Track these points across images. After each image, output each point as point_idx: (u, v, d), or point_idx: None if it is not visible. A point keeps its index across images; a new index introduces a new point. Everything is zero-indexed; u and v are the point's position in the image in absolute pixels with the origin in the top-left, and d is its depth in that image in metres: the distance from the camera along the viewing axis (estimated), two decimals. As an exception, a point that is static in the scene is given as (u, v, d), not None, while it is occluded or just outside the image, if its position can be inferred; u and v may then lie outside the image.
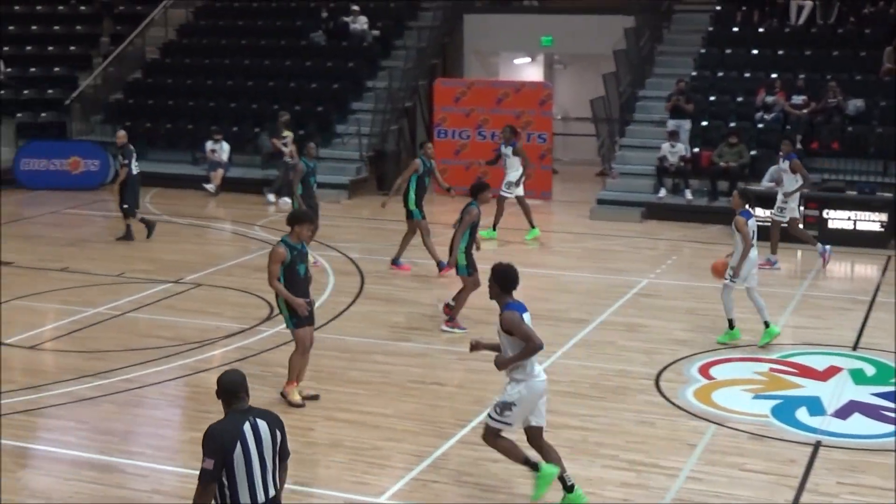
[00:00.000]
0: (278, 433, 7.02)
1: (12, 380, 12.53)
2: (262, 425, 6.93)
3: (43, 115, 28.48)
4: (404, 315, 15.15)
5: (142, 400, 11.90)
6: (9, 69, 29.21)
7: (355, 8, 28.94)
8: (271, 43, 29.47)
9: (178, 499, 9.50)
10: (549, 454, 9.37)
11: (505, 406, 9.27)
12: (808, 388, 12.34)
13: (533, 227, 20.23)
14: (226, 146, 25.12)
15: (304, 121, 25.62)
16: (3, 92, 28.54)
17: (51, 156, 25.83)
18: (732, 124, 23.39)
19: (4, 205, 23.45)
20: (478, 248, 14.66)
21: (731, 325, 14.08)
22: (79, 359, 13.15)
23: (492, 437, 9.42)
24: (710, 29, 26.85)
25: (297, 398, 11.71)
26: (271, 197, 23.48)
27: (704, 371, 12.88)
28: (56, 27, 31.67)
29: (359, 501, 9.50)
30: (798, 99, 23.19)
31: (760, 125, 23.28)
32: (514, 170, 20.18)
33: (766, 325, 13.90)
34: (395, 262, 17.77)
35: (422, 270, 17.91)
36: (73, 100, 28.19)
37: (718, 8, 27.38)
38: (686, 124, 23.47)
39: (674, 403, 11.82)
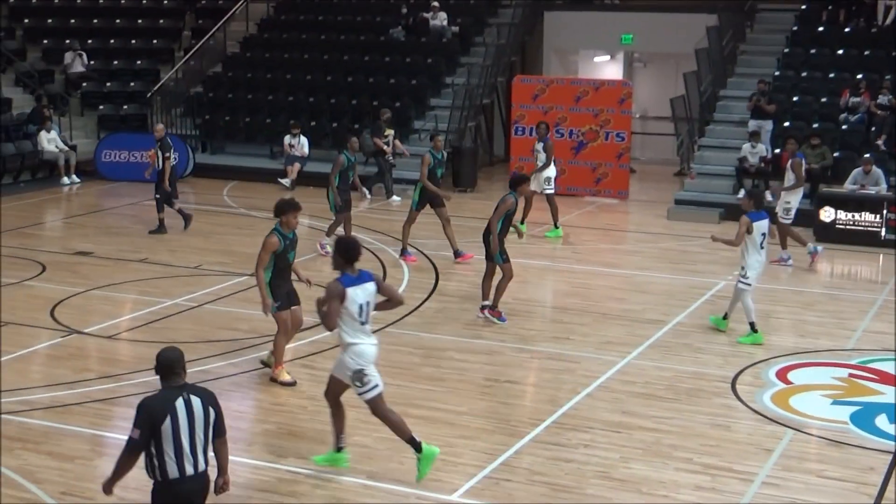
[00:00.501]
0: (212, 410, 7.37)
1: (90, 368, 12.70)
2: (196, 402, 7.31)
3: (125, 107, 28.87)
4: (478, 312, 15.08)
5: (217, 391, 11.90)
6: (92, 62, 29.64)
7: (435, 4, 28.96)
8: (351, 38, 29.60)
9: (251, 490, 9.55)
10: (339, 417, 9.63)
11: (358, 375, 9.56)
12: (889, 394, 12.08)
13: (557, 226, 20.31)
14: (304, 140, 25.25)
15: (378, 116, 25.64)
16: (86, 84, 28.98)
17: (131, 148, 26.13)
18: (815, 125, 23.03)
19: (85, 196, 23.81)
20: (520, 237, 15.20)
21: (754, 329, 13.94)
22: (155, 349, 13.10)
23: (380, 410, 9.61)
24: (795, 28, 26.45)
25: (286, 377, 12.20)
26: (396, 198, 23.54)
27: (782, 375, 12.68)
28: (140, 21, 32.09)
29: (430, 498, 9.47)
30: (884, 100, 22.76)
31: (844, 127, 22.89)
32: (545, 165, 20.33)
33: (752, 327, 13.94)
34: (456, 254, 17.99)
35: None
36: (155, 93, 28.52)
37: (803, 7, 26.96)
38: (767, 125, 23.16)
39: (750, 407, 11.65)
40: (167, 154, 19.95)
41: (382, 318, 14.50)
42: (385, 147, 23.77)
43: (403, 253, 18.15)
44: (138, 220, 21.56)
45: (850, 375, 12.74)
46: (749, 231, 13.66)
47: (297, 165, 24.97)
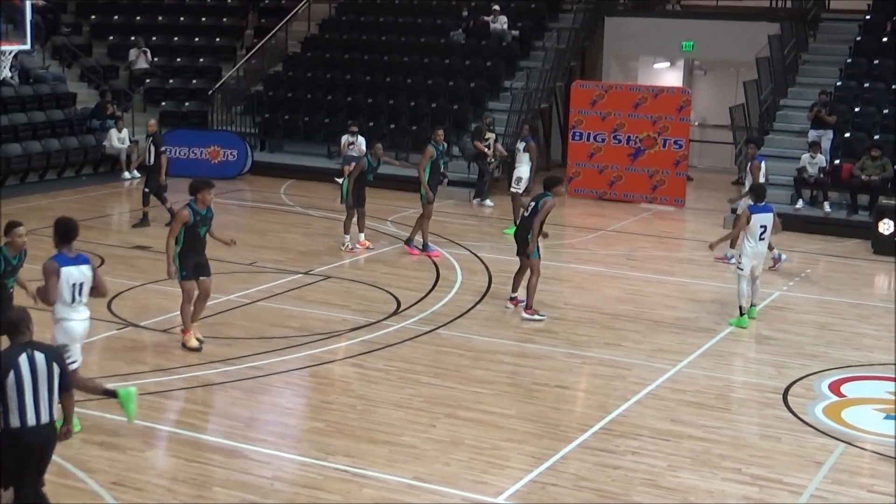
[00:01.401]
0: (56, 366, 7.95)
1: (144, 361, 12.86)
2: (40, 357, 7.86)
3: (187, 104, 29.16)
4: (530, 316, 15.09)
5: (267, 388, 12.08)
6: (156, 59, 29.97)
7: (496, 7, 28.97)
8: (411, 40, 29.69)
9: (298, 487, 9.62)
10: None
11: (62, 349, 9.82)
12: (944, 411, 11.96)
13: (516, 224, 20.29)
14: (362, 140, 25.33)
15: (440, 118, 25.66)
16: (149, 81, 29.30)
17: (192, 144, 26.41)
18: (876, 137, 22.79)
19: (145, 190, 24.04)
20: (545, 237, 15.29)
21: (742, 313, 14.89)
22: (209, 344, 13.39)
23: (76, 379, 9.92)
24: (858, 38, 26.17)
25: (193, 343, 13.07)
26: (476, 202, 23.61)
27: (835, 388, 12.57)
28: (203, 19, 32.39)
29: (476, 500, 9.49)
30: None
31: (906, 138, 22.63)
32: (524, 165, 20.66)
33: (741, 310, 14.90)
34: (425, 247, 18.49)
35: (549, 273, 17.82)
36: (216, 90, 28.78)
37: (868, 17, 26.68)
38: (828, 135, 22.94)
39: (801, 419, 11.56)
40: (162, 149, 20.23)
41: (433, 319, 14.62)
42: (486, 150, 23.68)
43: (425, 248, 18.47)
44: (196, 216, 21.77)
45: (905, 390, 12.62)
46: (748, 221, 14.64)
47: (353, 165, 25.02)
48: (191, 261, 13.03)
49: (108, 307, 14.56)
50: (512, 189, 20.77)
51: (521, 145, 20.98)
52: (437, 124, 21.58)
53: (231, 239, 14.15)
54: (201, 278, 13.22)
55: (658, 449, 10.60)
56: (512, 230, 19.97)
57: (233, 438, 10.61)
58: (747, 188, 18.05)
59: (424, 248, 18.51)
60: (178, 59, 30.69)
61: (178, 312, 13.28)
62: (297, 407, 11.79)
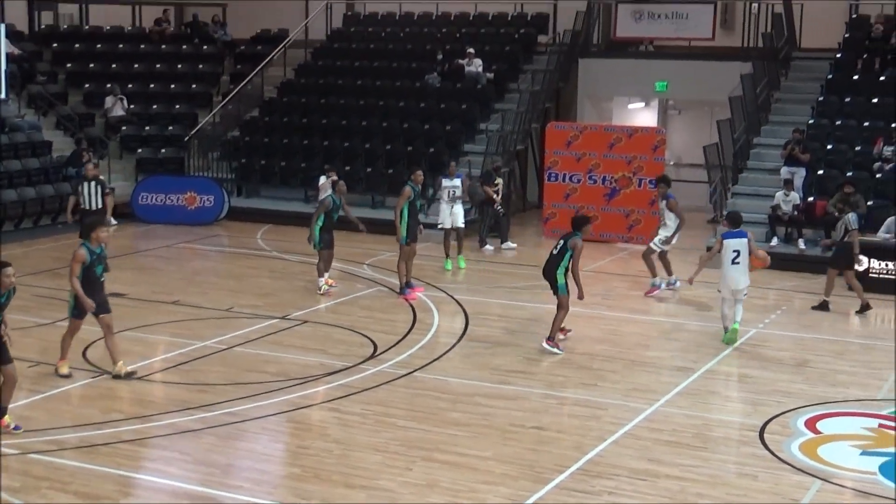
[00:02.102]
0: None
1: (120, 409, 12.78)
2: None
3: (163, 151, 29.18)
4: (507, 357, 15.10)
5: (243, 433, 12.03)
6: (132, 106, 30.01)
7: (471, 50, 29.17)
8: (386, 84, 29.83)
9: (273, 533, 9.57)
10: None
11: None
12: (919, 446, 12.00)
13: (448, 257, 21.20)
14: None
15: (416, 161, 25.71)
16: (125, 128, 29.33)
17: (168, 191, 26.43)
18: (849, 174, 22.97)
19: (120, 238, 24.00)
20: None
21: (725, 330, 15.91)
22: (185, 391, 13.37)
23: None
24: (830, 77, 26.44)
25: (65, 370, 13.71)
26: (489, 247, 23.45)
27: (811, 425, 12.60)
28: (179, 66, 32.48)
29: (452, 544, 9.46)
30: (917, 149, 22.72)
31: (878, 175, 22.82)
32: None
33: (725, 329, 15.89)
34: (402, 290, 18.60)
35: (526, 314, 17.87)
36: (192, 136, 28.82)
37: (839, 55, 26.97)
38: (801, 173, 23.12)
39: (778, 457, 11.57)
40: (107, 190, 20.32)
41: (410, 362, 14.63)
42: (494, 196, 23.62)
43: (403, 291, 18.51)
44: (172, 263, 21.80)
45: (880, 426, 12.65)
46: (720, 247, 15.73)
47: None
48: (89, 298, 13.33)
49: (83, 355, 14.51)
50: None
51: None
52: (415, 165, 21.67)
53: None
54: (101, 315, 13.60)
55: (635, 489, 10.59)
56: (450, 264, 20.97)
57: (209, 486, 10.56)
58: (674, 223, 19.02)
59: (402, 290, 18.53)
60: (154, 106, 30.74)
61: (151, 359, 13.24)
62: (273, 452, 11.75)
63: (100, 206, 20.13)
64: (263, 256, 22.40)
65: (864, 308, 18.18)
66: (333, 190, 19.29)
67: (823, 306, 18.30)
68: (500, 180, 23.78)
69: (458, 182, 21.50)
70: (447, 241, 21.37)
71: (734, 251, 15.59)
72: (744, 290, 15.85)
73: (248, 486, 10.62)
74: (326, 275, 19.04)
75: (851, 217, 18.60)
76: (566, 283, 15.24)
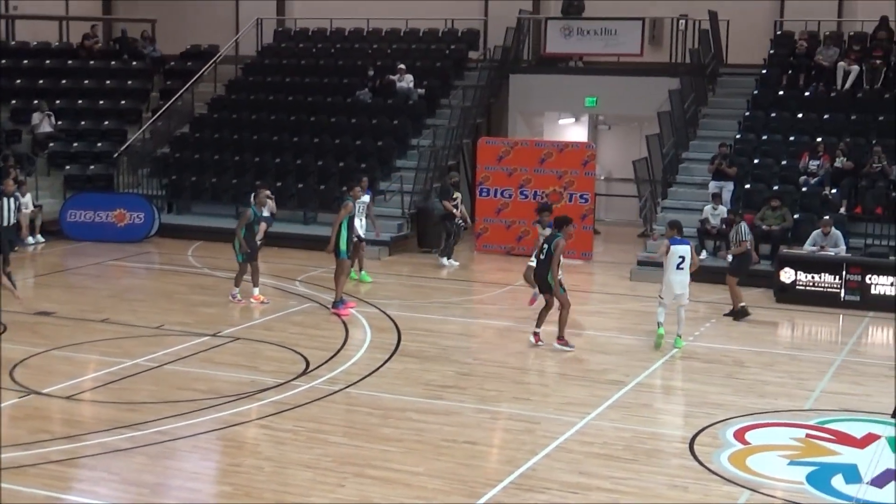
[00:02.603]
0: None
1: (49, 430, 12.61)
2: None
3: (91, 167, 28.86)
4: (439, 373, 15.11)
5: (174, 452, 11.93)
6: (60, 122, 29.68)
7: (402, 66, 29.22)
8: (317, 100, 29.79)
9: (204, 552, 9.49)
10: None
11: None
12: (845, 455, 12.17)
13: (360, 269, 21.47)
14: (269, 201, 25.26)
15: (348, 177, 25.69)
16: (53, 145, 28.99)
17: (97, 208, 26.15)
18: (775, 188, 23.32)
19: (49, 256, 23.77)
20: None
21: (659, 325, 16.52)
22: (114, 410, 13.22)
23: None
24: (755, 92, 26.85)
25: None
26: (444, 261, 23.45)
27: (740, 436, 12.74)
28: (108, 82, 32.18)
29: (385, 560, 9.44)
30: (839, 163, 23.10)
31: (804, 189, 23.18)
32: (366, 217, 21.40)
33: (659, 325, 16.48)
34: (335, 304, 18.50)
35: (458, 329, 17.92)
36: (121, 153, 28.56)
37: (764, 71, 27.40)
38: (729, 187, 23.42)
39: (708, 468, 11.69)
40: (26, 208, 20.20)
41: (343, 378, 14.61)
42: (454, 210, 23.62)
43: (337, 305, 18.45)
44: (101, 280, 21.56)
45: (808, 436, 12.82)
46: (667, 252, 16.27)
47: (263, 225, 24.92)
48: None
49: (10, 375, 14.30)
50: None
51: (366, 198, 21.16)
52: (356, 177, 21.71)
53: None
54: None
55: (566, 502, 10.64)
56: (367, 276, 21.30)
57: (138, 505, 10.46)
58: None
59: (335, 304, 18.48)
60: (83, 123, 30.39)
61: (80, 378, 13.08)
62: (204, 471, 11.65)
63: (13, 222, 19.89)
64: (194, 273, 22.24)
65: (740, 314, 18.73)
66: (254, 202, 19.51)
67: (742, 313, 18.58)
68: (458, 194, 23.87)
69: (366, 198, 21.47)
70: (357, 254, 21.36)
71: (680, 257, 16.30)
72: (686, 295, 16.55)
73: (178, 506, 10.54)
74: (256, 290, 19.17)
75: (743, 226, 19.13)
76: (562, 288, 16.21)
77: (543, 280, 16.20)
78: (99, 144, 29.58)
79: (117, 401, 13.57)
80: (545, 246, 16.17)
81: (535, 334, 16.56)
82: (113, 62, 33.14)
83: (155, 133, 29.54)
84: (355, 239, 20.67)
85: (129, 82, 32.40)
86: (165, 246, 25.30)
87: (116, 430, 12.47)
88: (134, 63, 33.17)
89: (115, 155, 28.56)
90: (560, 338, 16.23)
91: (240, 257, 19.18)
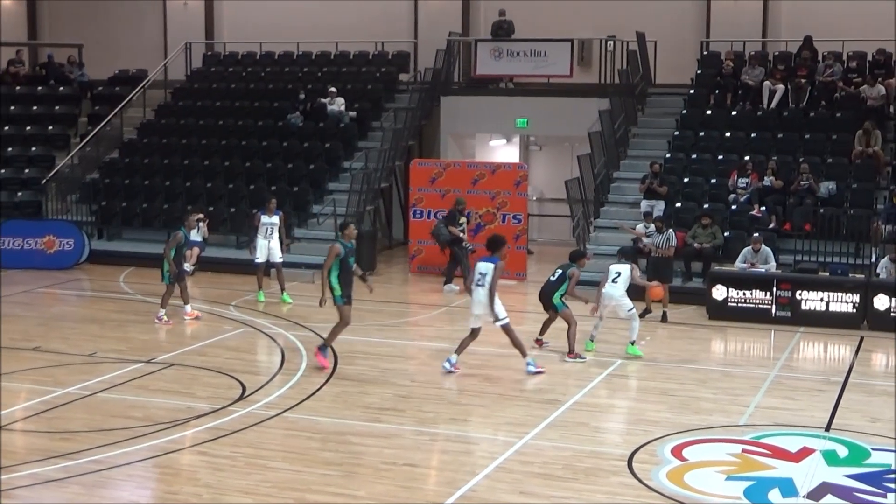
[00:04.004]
0: None
1: (-21, 461, 12.38)
2: None
3: (19, 194, 28.50)
4: (377, 396, 15.06)
5: (109, 481, 11.75)
6: (-15, 149, 29.30)
7: (332, 90, 29.22)
8: (248, 123, 29.69)
9: (143, 582, 9.36)
10: None
11: None
12: (781, 469, 12.29)
13: (260, 289, 21.86)
14: (202, 225, 25.09)
15: (280, 201, 25.59)
16: (-21, 172, 28.60)
17: (26, 235, 25.84)
18: (706, 206, 23.60)
19: (-23, 284, 23.38)
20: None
21: (592, 339, 17.80)
22: (47, 439, 13.02)
23: None
24: (684, 112, 27.18)
25: None
26: (453, 286, 23.21)
27: (677, 452, 12.83)
28: (35, 107, 31.79)
29: (327, 585, 9.36)
30: (767, 181, 23.43)
31: (733, 207, 23.46)
32: (273, 239, 21.76)
33: (632, 343, 17.45)
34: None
35: (395, 351, 17.89)
36: (50, 179, 28.23)
37: (692, 91, 27.74)
38: (660, 205, 23.65)
39: (646, 485, 11.74)
40: None
41: (280, 403, 14.51)
42: (461, 234, 23.54)
43: (324, 350, 16.66)
44: (31, 308, 21.25)
45: (744, 451, 12.92)
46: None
47: (196, 249, 24.77)
48: None
49: (-60, 406, 14.04)
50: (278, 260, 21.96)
51: (274, 219, 21.71)
52: (266, 197, 22.15)
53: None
54: None
55: (508, 522, 10.65)
56: (262, 296, 21.58)
57: (74, 536, 10.29)
58: None
59: (322, 348, 16.73)
60: (10, 149, 30.02)
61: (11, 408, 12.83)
62: (141, 499, 11.50)
63: None
64: (126, 300, 22.00)
65: (663, 317, 19.97)
66: (183, 226, 19.78)
67: (663, 318, 19.75)
68: (464, 219, 23.86)
69: (276, 220, 21.66)
70: (260, 274, 21.87)
71: (617, 272, 17.67)
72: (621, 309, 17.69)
73: (115, 535, 10.38)
74: (188, 307, 19.59)
75: (673, 234, 20.53)
76: (563, 303, 17.33)
77: (549, 301, 17.55)
78: (26, 171, 29.27)
79: (50, 430, 13.36)
80: (558, 271, 17.50)
81: (538, 340, 17.97)
82: (39, 87, 32.81)
83: (84, 159, 29.25)
84: (258, 261, 21.63)
85: (57, 108, 32.07)
86: (96, 272, 25.02)
87: (50, 459, 12.26)
88: (61, 88, 32.83)
89: (44, 181, 28.28)
90: (570, 352, 17.18)
91: (167, 279, 19.44)
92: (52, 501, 11.19)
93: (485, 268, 16.02)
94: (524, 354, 16.31)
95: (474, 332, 16.33)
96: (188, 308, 19.56)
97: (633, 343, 17.39)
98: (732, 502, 11.30)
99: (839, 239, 22.05)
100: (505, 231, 24.14)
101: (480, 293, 15.98)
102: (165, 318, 19.34)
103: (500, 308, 16.03)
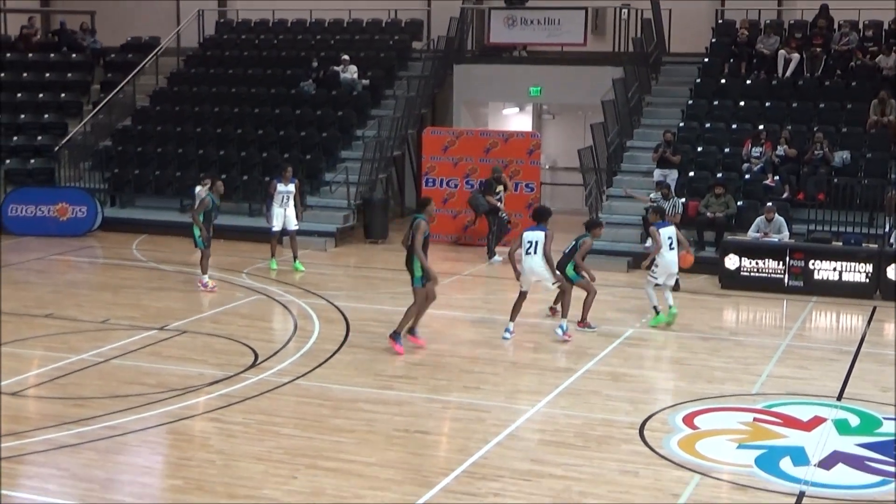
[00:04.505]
0: None
1: (-6, 426, 12.46)
2: None
3: (32, 161, 28.52)
4: (389, 363, 15.10)
5: (123, 447, 11.82)
6: (-1, 115, 29.31)
7: (345, 57, 29.12)
8: (261, 91, 29.60)
9: (157, 547, 9.42)
10: None
11: None
12: (792, 438, 12.31)
13: (273, 257, 21.75)
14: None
15: (293, 169, 25.54)
16: (-8, 139, 28.63)
17: (38, 202, 25.87)
18: (719, 175, 23.52)
19: (-9, 251, 23.47)
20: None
21: (657, 311, 17.42)
22: (61, 406, 13.09)
23: None
24: (698, 80, 27.04)
25: None
26: (497, 257, 23.07)
27: (689, 421, 12.85)
28: (48, 74, 31.78)
29: (339, 550, 9.41)
30: (780, 150, 23.32)
31: (747, 176, 23.38)
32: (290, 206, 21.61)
33: (655, 310, 17.45)
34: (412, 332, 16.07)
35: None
36: (62, 146, 28.24)
37: (706, 60, 27.59)
38: (673, 174, 23.57)
39: (658, 453, 11.77)
40: None
41: (292, 370, 14.57)
42: (498, 204, 23.48)
43: (414, 332, 16.01)
44: (44, 275, 21.32)
45: (755, 420, 12.94)
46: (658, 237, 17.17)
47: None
48: None
49: (-45, 372, 14.12)
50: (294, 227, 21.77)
51: (291, 186, 21.63)
52: (282, 166, 22.21)
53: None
54: None
55: (519, 489, 10.68)
56: (275, 264, 21.57)
57: (88, 501, 10.34)
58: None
59: (412, 331, 16.01)
60: (23, 116, 30.02)
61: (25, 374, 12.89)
62: (154, 465, 11.56)
63: None
64: (139, 267, 22.05)
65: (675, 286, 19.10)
66: (211, 191, 19.70)
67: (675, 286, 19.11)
68: (500, 188, 23.73)
69: (291, 188, 21.56)
70: (274, 242, 21.79)
71: (668, 237, 17.22)
72: (676, 273, 17.57)
73: (129, 501, 10.44)
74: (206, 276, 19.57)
75: (676, 200, 21.17)
76: (578, 274, 16.93)
77: (563, 272, 16.96)
78: (39, 138, 29.26)
79: (64, 396, 13.43)
80: (573, 242, 17.17)
81: (552, 309, 17.75)
82: (52, 54, 32.73)
83: (96, 126, 29.22)
84: (274, 229, 21.53)
85: (69, 75, 32.01)
86: (109, 240, 25.06)
87: (64, 425, 12.34)
88: (74, 55, 32.75)
89: (56, 148, 28.27)
90: (582, 321, 17.01)
91: (200, 244, 19.52)
92: (68, 467, 11.26)
93: (533, 236, 16.38)
94: (564, 317, 16.63)
95: (523, 296, 16.63)
96: (205, 277, 19.59)
97: (657, 311, 17.53)
98: (744, 470, 11.33)
99: (853, 209, 21.96)
100: (517, 200, 24.27)
101: (534, 261, 16.30)
102: (210, 283, 19.47)
103: (550, 273, 16.41)
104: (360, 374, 14.56)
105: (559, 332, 16.47)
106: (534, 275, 16.41)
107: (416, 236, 15.26)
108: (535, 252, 16.30)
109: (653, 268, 17.31)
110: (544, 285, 16.59)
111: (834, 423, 12.79)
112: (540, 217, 16.79)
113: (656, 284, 17.38)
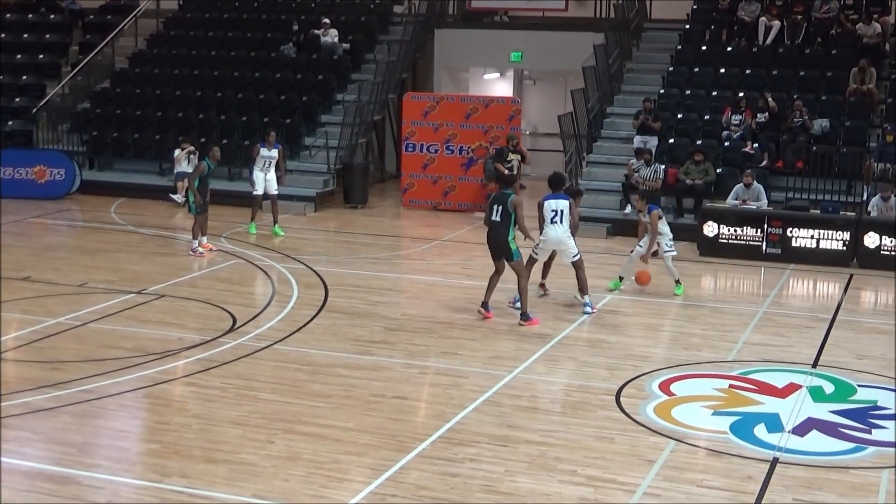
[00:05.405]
0: None
1: (-30, 389, 12.43)
2: None
3: (10, 123, 28.32)
4: (367, 329, 15.12)
5: (100, 411, 11.82)
6: (-24, 77, 29.08)
7: (326, 21, 28.97)
8: (241, 54, 29.44)
9: (133, 511, 9.45)
10: None
11: None
12: (767, 404, 12.39)
13: (252, 221, 21.74)
14: (192, 157, 25.00)
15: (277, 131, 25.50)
16: (-31, 100, 28.41)
17: (16, 164, 25.71)
18: (699, 142, 23.55)
19: (-32, 213, 23.33)
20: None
21: (678, 282, 17.46)
22: (38, 369, 13.07)
23: None
24: (679, 47, 27.01)
25: None
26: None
27: (665, 387, 12.92)
28: (25, 35, 31.53)
29: (316, 515, 9.46)
30: (761, 118, 23.36)
31: (727, 143, 23.42)
32: (275, 170, 21.66)
33: (677, 282, 17.43)
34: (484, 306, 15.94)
35: (386, 284, 17.93)
36: (40, 108, 28.06)
37: (687, 27, 27.56)
38: (653, 141, 23.59)
39: (634, 419, 11.84)
40: None
41: (270, 335, 14.57)
42: (506, 172, 23.29)
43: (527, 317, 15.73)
44: (22, 238, 21.21)
45: (731, 386, 13.02)
46: (660, 217, 17.14)
47: (186, 181, 24.72)
48: None
49: (-69, 335, 14.07)
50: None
51: (273, 152, 21.55)
52: (266, 130, 21.93)
53: None
54: None
55: (496, 455, 10.72)
56: (254, 228, 21.58)
57: (65, 465, 10.34)
58: None
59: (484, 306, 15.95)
60: (0, 77, 29.78)
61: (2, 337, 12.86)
62: (131, 429, 11.57)
63: None
64: (118, 231, 21.98)
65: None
66: (207, 157, 19.68)
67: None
68: (513, 157, 23.62)
69: (275, 153, 21.50)
70: (256, 206, 21.71)
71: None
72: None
73: (106, 465, 10.44)
74: (205, 238, 19.57)
75: (657, 166, 21.44)
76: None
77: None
78: (17, 100, 29.05)
79: (41, 359, 13.41)
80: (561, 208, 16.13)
81: (541, 285, 17.16)
82: (30, 15, 32.47)
83: (75, 88, 29.04)
84: (256, 192, 21.50)
85: (48, 36, 31.78)
86: (87, 203, 24.96)
87: (41, 389, 12.33)
88: (52, 16, 32.49)
89: (34, 110, 28.08)
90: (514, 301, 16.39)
91: (193, 209, 19.51)
92: (44, 430, 11.25)
93: (557, 205, 16.05)
94: (584, 293, 16.24)
95: (533, 262, 16.59)
96: (205, 240, 19.64)
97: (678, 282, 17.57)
98: (719, 437, 11.41)
99: (831, 177, 22.03)
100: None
101: (558, 230, 16.03)
102: (200, 249, 19.43)
103: (574, 244, 16.17)
104: (338, 340, 14.58)
105: (588, 309, 16.14)
106: (559, 244, 16.14)
107: (519, 212, 15.41)
108: (560, 221, 16.00)
109: (669, 242, 17.28)
110: (567, 254, 16.18)
111: (808, 390, 12.88)
112: (557, 185, 16.37)
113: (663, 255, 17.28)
